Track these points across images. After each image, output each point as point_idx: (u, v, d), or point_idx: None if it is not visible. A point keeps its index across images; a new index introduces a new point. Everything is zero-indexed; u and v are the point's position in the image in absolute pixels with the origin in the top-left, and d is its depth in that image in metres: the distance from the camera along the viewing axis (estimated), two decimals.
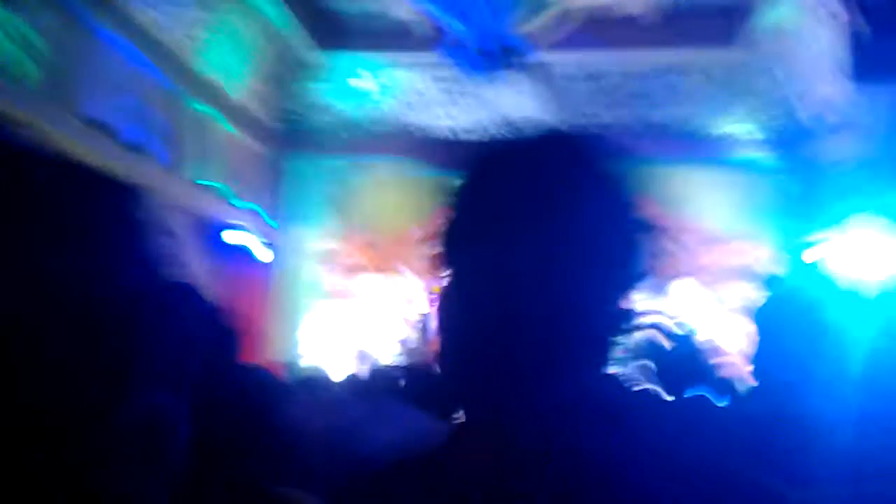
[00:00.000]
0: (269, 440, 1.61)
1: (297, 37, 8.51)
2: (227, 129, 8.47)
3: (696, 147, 8.80)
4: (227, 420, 1.29)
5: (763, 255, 9.02)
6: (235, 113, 8.52)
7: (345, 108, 9.33)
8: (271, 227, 9.32)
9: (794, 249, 8.52)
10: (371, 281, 9.83)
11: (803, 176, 8.62)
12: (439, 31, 6.44)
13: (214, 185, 8.10)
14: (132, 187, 0.90)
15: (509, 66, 6.30)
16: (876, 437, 1.27)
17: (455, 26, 6.34)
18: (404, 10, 8.31)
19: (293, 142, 9.45)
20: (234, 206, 8.59)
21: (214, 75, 7.95)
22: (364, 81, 9.14)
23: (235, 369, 1.47)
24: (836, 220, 7.17)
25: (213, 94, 8.02)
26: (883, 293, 1.27)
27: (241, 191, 8.93)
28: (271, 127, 9.31)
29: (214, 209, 8.17)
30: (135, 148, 6.93)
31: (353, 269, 9.87)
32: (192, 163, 7.85)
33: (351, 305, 9.82)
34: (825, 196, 8.20)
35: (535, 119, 9.15)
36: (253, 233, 8.81)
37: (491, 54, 6.25)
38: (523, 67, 6.70)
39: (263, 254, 8.88)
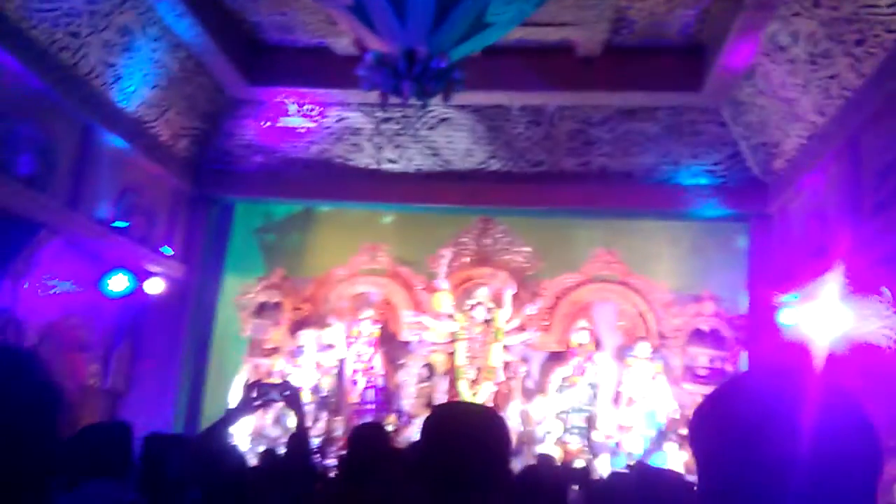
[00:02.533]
0: None
1: (224, 70, 7.99)
2: (144, 164, 7.92)
3: (644, 197, 8.31)
4: None
5: (714, 313, 8.54)
6: (155, 148, 7.96)
7: (273, 144, 8.79)
8: (177, 265, 8.62)
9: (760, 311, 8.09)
10: (307, 336, 9.25)
11: (753, 228, 8.21)
12: (362, 51, 5.90)
13: (122, 224, 7.48)
14: None
15: (437, 93, 5.75)
16: None
17: (377, 45, 5.81)
18: (337, 44, 7.87)
19: (219, 180, 8.88)
20: (142, 248, 7.99)
21: (132, 107, 7.39)
22: (294, 118, 8.62)
23: None
24: (801, 281, 6.75)
25: (129, 128, 7.47)
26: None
27: (158, 230, 8.36)
28: (195, 163, 8.74)
29: (118, 249, 7.58)
30: (32, 183, 6.34)
31: (292, 324, 9.31)
32: (100, 200, 7.27)
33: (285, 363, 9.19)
34: (777, 251, 7.78)
35: (469, 156, 8.75)
36: (160, 275, 8.15)
37: (417, 79, 5.70)
38: (455, 100, 6.16)
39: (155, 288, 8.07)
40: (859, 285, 6.10)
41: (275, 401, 3.61)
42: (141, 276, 7.87)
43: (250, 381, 3.55)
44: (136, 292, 7.83)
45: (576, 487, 5.56)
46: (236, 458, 3.55)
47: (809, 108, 6.64)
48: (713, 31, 7.19)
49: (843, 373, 6.40)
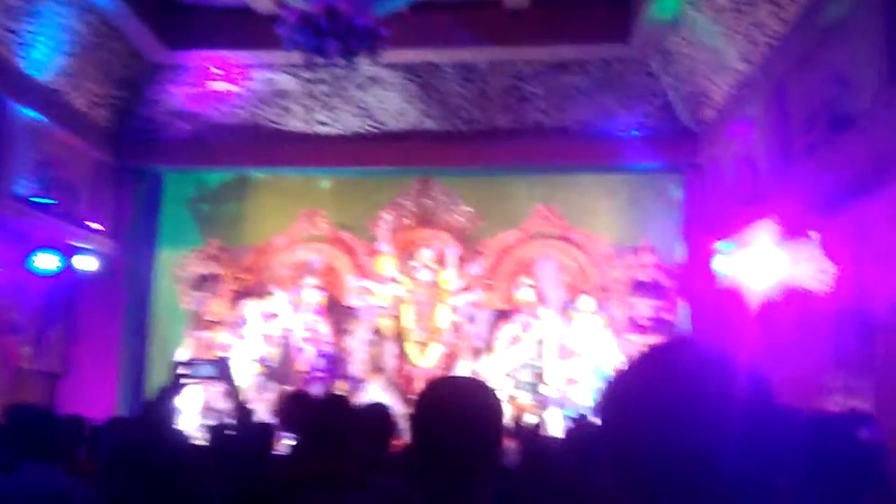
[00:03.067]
0: None
1: (140, 35, 7.64)
2: (62, 136, 7.58)
3: (579, 151, 8.30)
4: None
5: (653, 264, 8.65)
6: (72, 119, 7.62)
7: (199, 111, 8.49)
8: (106, 241, 8.31)
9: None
10: (249, 306, 9.09)
11: (687, 178, 8.30)
12: (283, 9, 5.67)
13: (43, 200, 7.18)
14: None
15: (363, 51, 5.57)
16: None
17: (298, 2, 5.58)
18: (257, 2, 7.58)
19: (144, 150, 8.57)
20: (67, 224, 7.68)
21: (44, 77, 7.04)
22: (218, 82, 8.32)
23: None
24: (735, 228, 6.83)
25: (42, 99, 7.11)
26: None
27: (83, 205, 8.05)
28: (116, 134, 8.40)
29: (42, 227, 7.28)
30: None
31: (233, 295, 9.14)
32: (17, 176, 6.95)
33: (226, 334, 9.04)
34: (710, 200, 7.88)
35: (402, 116, 8.60)
36: (89, 251, 7.87)
37: (341, 37, 5.51)
38: (384, 58, 5.98)
39: (87, 266, 7.82)
40: (791, 230, 6.21)
41: (207, 377, 3.54)
42: (69, 253, 7.60)
43: (178, 360, 3.46)
44: (66, 270, 7.57)
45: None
46: (173, 438, 3.46)
47: (735, 56, 6.66)
48: None
49: (776, 317, 6.55)
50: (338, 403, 3.25)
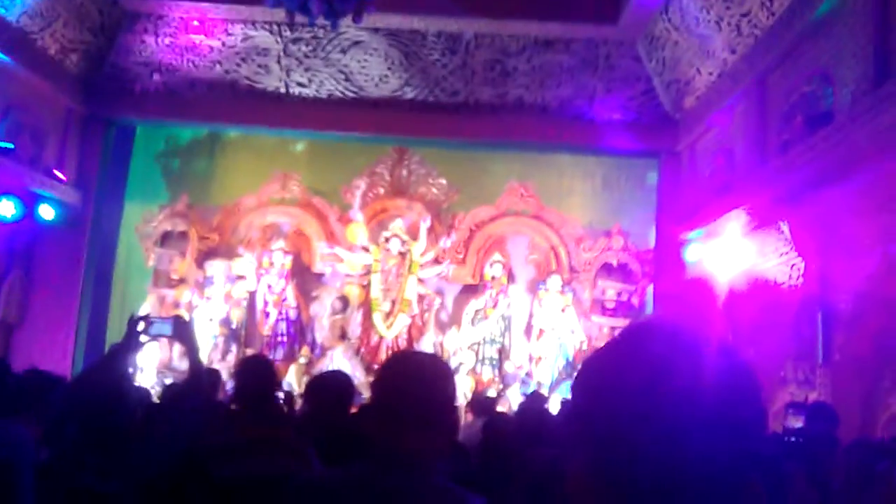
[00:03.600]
0: None
1: None
2: (31, 79, 7.32)
3: (559, 130, 8.25)
4: None
5: (623, 248, 8.69)
6: (41, 63, 7.37)
7: (174, 63, 8.25)
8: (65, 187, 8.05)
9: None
10: (215, 266, 8.96)
11: (663, 164, 8.31)
12: None
13: (6, 145, 6.95)
14: None
15: (348, 13, 5.42)
16: None
17: None
18: None
19: (115, 100, 8.31)
20: (31, 170, 7.45)
21: (13, 17, 6.78)
22: (196, 35, 8.07)
23: None
24: (706, 217, 6.86)
25: (11, 40, 6.85)
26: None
27: (48, 152, 7.82)
28: (87, 81, 8.13)
29: (3, 172, 7.06)
30: None
31: (199, 254, 8.99)
32: None
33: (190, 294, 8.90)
34: (685, 188, 7.91)
35: (382, 83, 8.47)
36: (52, 200, 7.64)
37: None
38: (368, 22, 5.83)
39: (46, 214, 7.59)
40: (761, 222, 6.26)
41: (164, 336, 3.44)
42: (31, 201, 7.39)
43: (135, 316, 3.35)
44: (28, 218, 7.36)
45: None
46: (122, 395, 3.38)
47: (721, 45, 6.64)
48: None
49: (741, 306, 6.63)
50: (267, 371, 3.23)
